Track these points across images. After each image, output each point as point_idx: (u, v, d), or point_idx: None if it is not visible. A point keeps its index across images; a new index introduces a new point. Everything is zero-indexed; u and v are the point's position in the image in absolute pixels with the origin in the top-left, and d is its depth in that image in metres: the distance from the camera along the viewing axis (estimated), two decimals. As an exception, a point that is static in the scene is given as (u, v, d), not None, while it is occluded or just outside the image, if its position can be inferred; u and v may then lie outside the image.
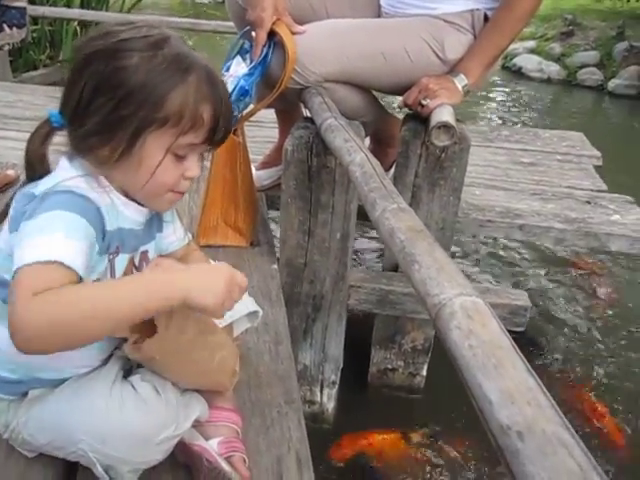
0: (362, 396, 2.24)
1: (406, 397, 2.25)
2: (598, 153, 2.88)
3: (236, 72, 1.66)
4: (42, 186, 0.81)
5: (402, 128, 1.72)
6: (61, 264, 0.71)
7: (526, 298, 1.77)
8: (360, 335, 2.14)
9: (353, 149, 1.22)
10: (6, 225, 0.85)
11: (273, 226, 2.16)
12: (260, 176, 2.21)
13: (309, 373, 1.94)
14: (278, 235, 1.82)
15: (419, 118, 1.68)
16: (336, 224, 1.62)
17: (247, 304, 1.18)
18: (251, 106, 1.69)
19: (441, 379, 2.08)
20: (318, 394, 1.99)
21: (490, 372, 0.59)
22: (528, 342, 2.36)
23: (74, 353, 0.77)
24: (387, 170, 2.27)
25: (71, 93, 0.82)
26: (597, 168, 2.76)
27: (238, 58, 1.74)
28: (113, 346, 0.96)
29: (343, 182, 1.57)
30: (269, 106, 1.82)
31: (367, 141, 2.10)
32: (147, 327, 0.86)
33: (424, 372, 2.19)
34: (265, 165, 2.23)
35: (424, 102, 1.62)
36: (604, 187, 2.49)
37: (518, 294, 1.79)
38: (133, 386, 0.90)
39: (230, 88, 1.58)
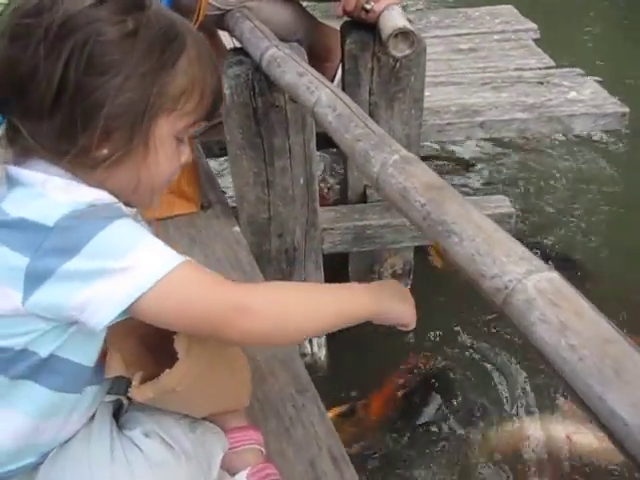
0: (350, 333, 2.16)
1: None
2: (534, 25, 2.74)
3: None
4: (41, 212, 0.63)
5: (345, 41, 1.50)
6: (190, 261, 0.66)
7: (508, 204, 1.68)
8: (336, 273, 2.02)
9: (314, 85, 1.02)
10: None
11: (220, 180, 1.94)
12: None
13: (294, 327, 1.82)
14: (231, 192, 1.62)
15: (363, 26, 1.46)
16: (297, 169, 1.43)
17: None
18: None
19: (427, 296, 2.03)
20: (308, 346, 1.89)
21: (611, 380, 0.47)
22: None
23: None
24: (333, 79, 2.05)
25: (34, 77, 0.62)
26: (536, 42, 2.63)
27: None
28: (99, 400, 0.79)
29: (296, 120, 1.36)
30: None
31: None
32: (146, 360, 0.77)
33: (408, 294, 2.12)
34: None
35: (367, 6, 1.40)
36: (551, 63, 2.37)
37: (499, 201, 1.69)
38: (136, 445, 0.74)
39: None
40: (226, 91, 1.29)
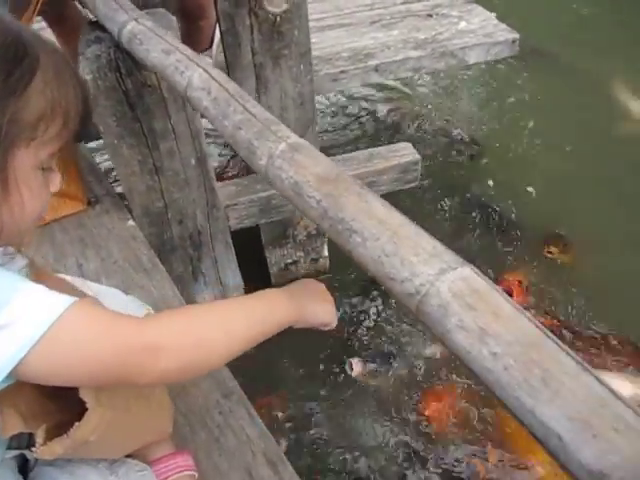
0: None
1: (318, 278, 2.17)
2: (411, -50, 2.65)
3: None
4: None
5: (217, -2, 1.36)
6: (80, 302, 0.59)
7: (413, 150, 1.64)
8: (249, 246, 1.94)
9: (183, 64, 0.90)
10: None
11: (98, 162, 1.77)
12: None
13: (215, 310, 1.74)
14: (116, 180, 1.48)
15: (233, -21, 1.32)
16: (185, 149, 1.31)
17: (133, 308, 0.93)
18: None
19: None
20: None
21: (541, 391, 0.43)
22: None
23: None
24: (208, 48, 1.90)
25: None
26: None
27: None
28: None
29: (175, 98, 1.23)
30: (38, 14, 1.34)
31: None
32: (46, 409, 0.69)
33: (325, 252, 2.09)
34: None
35: (233, -43, 1.26)
36: (436, -9, 2.31)
37: (403, 148, 1.64)
38: None
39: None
40: (88, 76, 1.13)
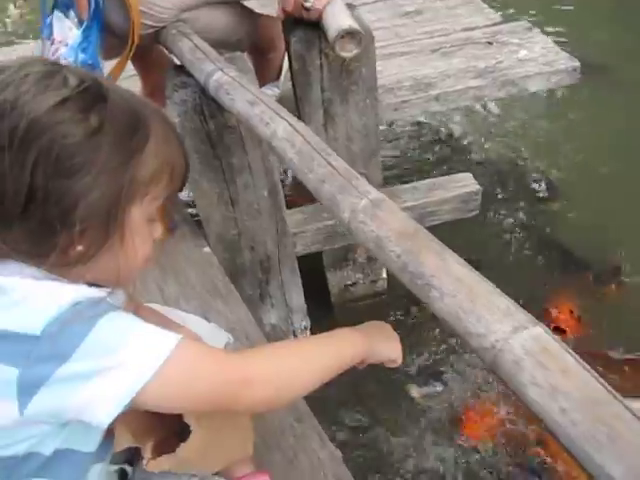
0: (333, 320, 2.19)
1: (373, 302, 2.23)
2: (475, -25, 2.70)
3: (66, 38, 1.30)
4: (25, 321, 0.61)
5: (290, 40, 1.46)
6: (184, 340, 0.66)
7: (473, 180, 1.69)
8: (312, 269, 2.03)
9: (268, 116, 0.99)
10: None
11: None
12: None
13: (279, 330, 1.83)
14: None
15: (306, 22, 1.42)
16: (259, 182, 1.41)
17: (216, 336, 1.02)
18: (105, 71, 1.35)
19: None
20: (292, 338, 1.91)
21: (603, 444, 0.49)
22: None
23: None
24: (277, 79, 2.00)
25: (1, 187, 0.60)
26: (480, -5, 2.60)
27: (58, 14, 1.35)
28: (104, 474, 0.80)
29: (252, 137, 1.33)
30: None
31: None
32: (152, 426, 0.78)
33: (384, 274, 2.15)
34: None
35: (307, 4, 1.35)
36: (498, 18, 2.35)
37: (464, 179, 1.70)
38: None
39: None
40: (175, 119, 1.25)
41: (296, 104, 1.60)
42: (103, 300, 0.67)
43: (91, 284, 0.70)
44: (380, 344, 0.84)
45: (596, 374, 0.54)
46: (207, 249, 1.49)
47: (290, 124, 0.96)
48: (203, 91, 1.23)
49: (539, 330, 0.58)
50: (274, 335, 1.84)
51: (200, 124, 1.27)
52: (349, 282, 2.15)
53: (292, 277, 1.70)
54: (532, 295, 2.00)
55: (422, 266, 0.67)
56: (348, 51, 1.28)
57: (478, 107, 2.93)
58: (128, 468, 0.88)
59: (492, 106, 2.96)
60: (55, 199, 0.61)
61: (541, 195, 2.51)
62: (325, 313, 2.20)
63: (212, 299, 1.35)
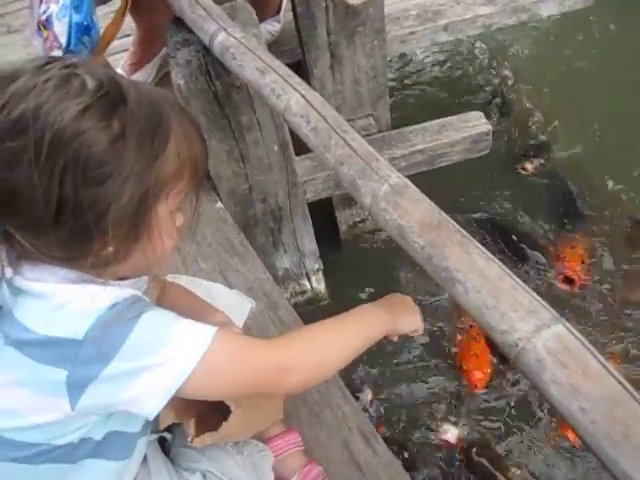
0: (343, 257, 2.24)
1: (381, 236, 2.27)
2: None
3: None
4: (67, 326, 0.64)
5: (293, -19, 1.39)
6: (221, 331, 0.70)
7: (484, 120, 1.66)
8: (322, 214, 2.04)
9: (279, 86, 0.97)
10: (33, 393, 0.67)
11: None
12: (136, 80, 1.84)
13: (292, 273, 1.89)
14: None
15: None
16: (269, 138, 1.40)
17: (240, 303, 1.08)
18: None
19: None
20: (307, 284, 1.97)
21: (621, 445, 0.54)
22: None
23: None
24: (277, 13, 1.92)
25: (32, 199, 0.61)
26: None
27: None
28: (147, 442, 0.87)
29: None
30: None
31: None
32: (194, 403, 0.82)
33: (393, 210, 2.16)
34: (135, 67, 1.84)
35: (311, -57, 1.28)
36: None
37: (474, 118, 1.67)
38: None
39: (64, 29, 1.19)
40: (180, 81, 1.22)
41: (301, 47, 1.55)
42: (138, 299, 0.70)
43: (123, 278, 0.73)
44: (402, 318, 0.89)
45: (616, 373, 0.58)
46: (219, 204, 1.50)
47: (303, 96, 0.94)
48: (207, 49, 1.19)
49: (561, 328, 0.61)
50: (287, 278, 1.90)
51: (206, 85, 1.24)
52: (358, 219, 2.18)
53: (304, 224, 1.72)
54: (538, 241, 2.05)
55: (446, 260, 0.69)
56: (356, -2, 1.23)
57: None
58: (167, 435, 0.95)
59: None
60: (85, 207, 0.62)
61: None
62: (335, 251, 2.25)
63: (229, 257, 1.38)
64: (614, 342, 1.83)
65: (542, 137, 2.40)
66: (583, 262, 1.99)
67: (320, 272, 1.97)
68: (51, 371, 0.65)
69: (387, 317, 0.87)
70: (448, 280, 0.69)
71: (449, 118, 1.69)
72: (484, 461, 1.62)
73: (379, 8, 1.45)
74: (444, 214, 0.75)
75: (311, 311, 2.17)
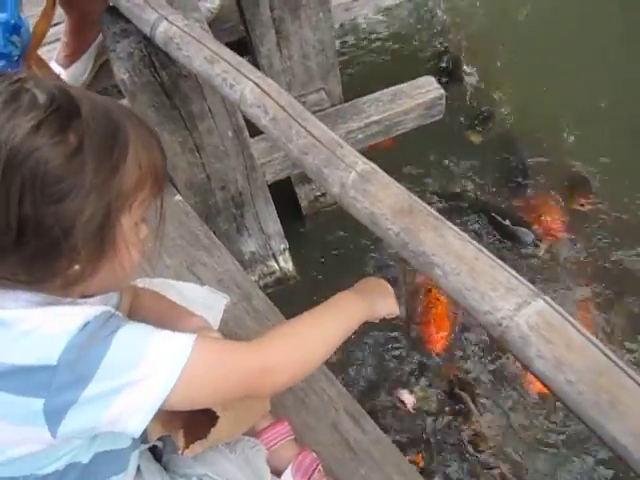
0: (308, 233, 2.24)
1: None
2: None
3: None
4: (38, 353, 0.61)
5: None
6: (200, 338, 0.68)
7: (436, 85, 1.66)
8: (282, 194, 2.02)
9: (231, 76, 0.94)
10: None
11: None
12: (74, 73, 1.75)
13: (258, 255, 1.87)
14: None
15: None
16: (222, 125, 1.36)
17: (214, 300, 1.06)
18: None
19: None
20: (275, 264, 1.96)
21: (608, 412, 0.56)
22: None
23: None
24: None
25: None
26: None
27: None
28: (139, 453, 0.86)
29: (209, 79, 1.26)
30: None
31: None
32: (180, 414, 0.80)
33: (352, 181, 2.16)
34: (71, 59, 1.75)
35: None
36: None
37: (427, 84, 1.66)
38: None
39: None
40: (124, 75, 1.16)
41: (244, 26, 1.50)
42: (110, 315, 0.68)
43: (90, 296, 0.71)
44: (379, 303, 0.90)
45: (599, 343, 0.60)
46: (178, 197, 1.47)
47: (257, 85, 0.91)
48: (149, 39, 1.14)
49: (542, 304, 0.63)
50: (254, 261, 1.89)
51: (152, 77, 1.19)
52: (318, 193, 2.17)
53: (266, 206, 1.70)
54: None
55: (422, 244, 0.70)
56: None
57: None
58: (159, 444, 0.94)
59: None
60: (47, 227, 0.60)
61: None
62: (299, 227, 2.25)
63: (195, 251, 1.35)
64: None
65: (493, 98, 2.43)
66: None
67: (287, 251, 1.96)
68: (26, 401, 0.62)
69: (364, 303, 0.87)
70: (426, 265, 0.70)
71: (401, 86, 1.68)
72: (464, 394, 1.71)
73: (322, -22, 1.41)
74: (414, 197, 0.75)
75: (282, 291, 2.18)
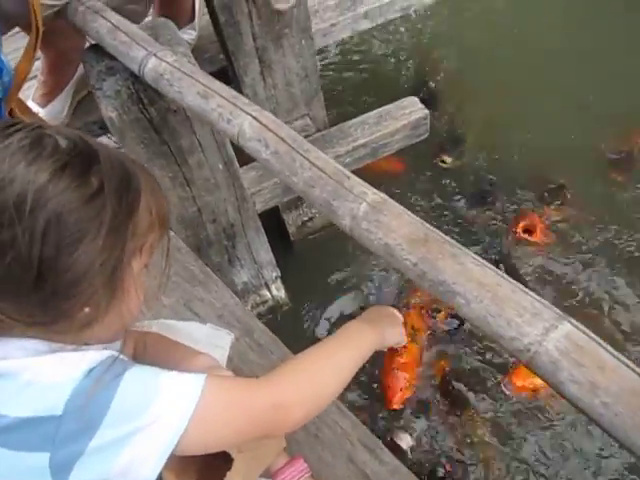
0: (298, 259, 2.23)
1: (332, 230, 2.27)
2: None
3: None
4: (42, 403, 0.60)
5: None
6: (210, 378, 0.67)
7: (420, 105, 1.68)
8: (271, 222, 2.01)
9: (227, 111, 0.94)
10: None
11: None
12: (52, 112, 1.73)
13: (251, 285, 1.85)
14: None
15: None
16: (213, 158, 1.35)
17: (218, 338, 1.04)
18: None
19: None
20: (267, 293, 1.95)
21: (646, 431, 0.56)
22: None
23: None
24: (192, 20, 1.85)
25: (9, 265, 0.59)
26: None
27: None
28: None
29: (198, 113, 1.25)
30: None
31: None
32: (192, 460, 0.79)
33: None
34: (48, 97, 1.73)
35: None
36: None
37: (411, 105, 1.68)
38: None
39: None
40: (112, 113, 1.15)
41: (227, 56, 1.50)
42: (115, 359, 0.66)
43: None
44: (388, 333, 0.89)
45: (631, 364, 0.60)
46: (170, 233, 1.44)
47: (255, 118, 0.91)
48: (136, 76, 1.13)
49: (569, 327, 0.63)
50: (247, 291, 1.87)
51: (140, 113, 1.17)
52: (305, 218, 2.17)
53: (257, 236, 1.69)
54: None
55: (442, 274, 0.70)
56: (284, 3, 1.20)
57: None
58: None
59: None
60: (66, 267, 0.60)
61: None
62: (288, 254, 2.23)
63: (192, 287, 1.33)
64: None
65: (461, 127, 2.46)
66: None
67: (278, 279, 1.95)
68: (31, 457, 0.59)
69: (374, 333, 0.87)
70: (447, 294, 0.70)
71: (386, 107, 1.70)
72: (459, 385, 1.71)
73: (303, 7, 1.42)
74: (428, 225, 0.75)
75: (275, 319, 2.16)
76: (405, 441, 1.67)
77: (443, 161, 2.25)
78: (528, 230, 1.99)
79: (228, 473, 0.80)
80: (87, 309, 0.63)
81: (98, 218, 0.61)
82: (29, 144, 0.59)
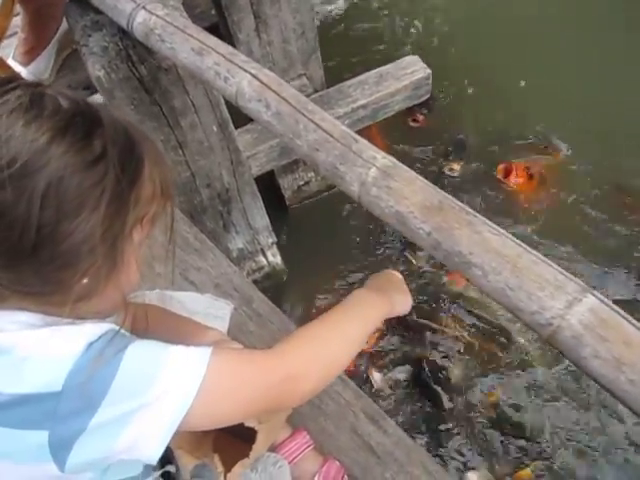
0: (293, 224, 2.19)
1: (327, 195, 2.23)
2: None
3: None
4: (41, 379, 0.57)
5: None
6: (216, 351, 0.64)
7: (422, 64, 1.62)
8: (265, 185, 1.96)
9: (223, 68, 0.88)
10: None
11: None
12: (36, 71, 1.66)
13: (246, 252, 1.82)
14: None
15: None
16: (206, 119, 1.30)
17: (218, 309, 1.02)
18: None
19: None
20: (263, 260, 1.91)
21: (676, 408, 0.54)
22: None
23: None
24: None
25: (13, 214, 0.56)
26: None
27: None
28: None
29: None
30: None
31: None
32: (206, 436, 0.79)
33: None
34: (30, 55, 1.65)
35: None
36: None
37: (412, 64, 1.62)
38: None
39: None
40: (99, 72, 1.09)
41: (219, 12, 1.43)
42: (116, 333, 0.63)
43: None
44: (397, 301, 0.87)
45: (656, 338, 0.58)
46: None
47: (255, 76, 0.86)
48: (124, 31, 1.06)
49: (593, 300, 0.60)
50: (243, 258, 1.83)
51: (129, 72, 1.11)
52: (301, 182, 2.12)
53: (253, 201, 1.65)
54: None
55: (458, 244, 0.66)
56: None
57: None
58: (171, 468, 0.90)
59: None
60: (66, 233, 0.57)
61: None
62: (284, 219, 2.19)
63: (187, 255, 1.30)
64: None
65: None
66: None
67: (274, 245, 1.91)
68: (30, 435, 0.57)
69: (382, 303, 0.84)
70: (463, 265, 0.66)
71: (386, 67, 1.64)
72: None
73: (301, -44, 1.35)
74: (443, 192, 0.72)
75: (271, 286, 2.13)
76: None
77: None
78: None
79: (254, 446, 0.79)
80: (86, 280, 0.60)
81: (100, 184, 0.57)
82: (28, 102, 0.55)
